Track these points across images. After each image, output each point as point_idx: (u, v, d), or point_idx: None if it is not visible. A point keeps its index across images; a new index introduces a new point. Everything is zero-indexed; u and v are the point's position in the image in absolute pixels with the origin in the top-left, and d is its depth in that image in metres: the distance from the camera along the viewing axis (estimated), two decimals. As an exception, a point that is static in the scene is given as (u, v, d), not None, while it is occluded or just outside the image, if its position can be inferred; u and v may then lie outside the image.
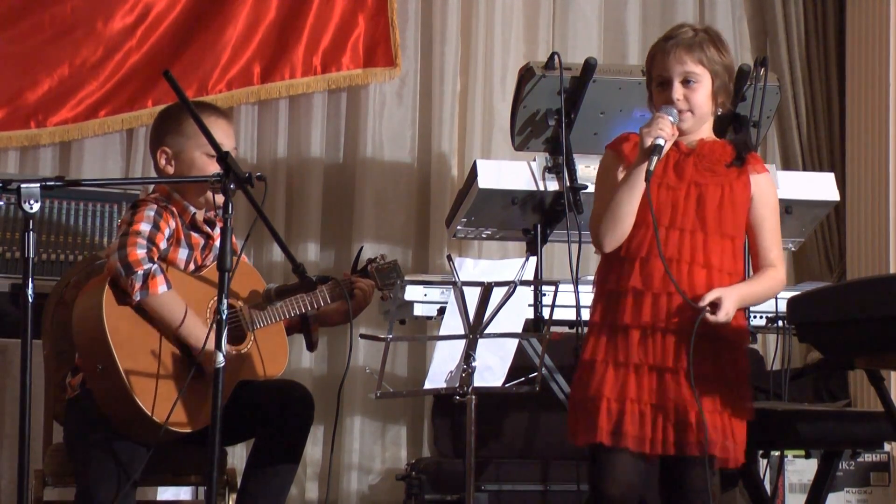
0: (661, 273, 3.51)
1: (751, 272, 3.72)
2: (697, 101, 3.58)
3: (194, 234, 3.94)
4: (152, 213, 3.83)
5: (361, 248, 4.42)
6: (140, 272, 3.70)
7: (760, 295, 3.66)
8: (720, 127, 4.70)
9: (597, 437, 3.50)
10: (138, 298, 3.72)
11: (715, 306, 3.47)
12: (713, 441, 3.48)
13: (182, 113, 3.91)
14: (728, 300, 3.48)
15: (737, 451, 3.53)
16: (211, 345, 3.48)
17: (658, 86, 3.61)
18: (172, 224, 3.88)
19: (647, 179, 3.47)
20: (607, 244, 3.57)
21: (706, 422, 3.46)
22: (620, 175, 3.60)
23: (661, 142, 3.48)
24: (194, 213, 3.93)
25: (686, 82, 3.57)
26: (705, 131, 3.65)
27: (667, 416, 3.50)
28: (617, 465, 3.52)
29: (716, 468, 3.54)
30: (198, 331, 3.76)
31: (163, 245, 3.82)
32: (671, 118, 3.53)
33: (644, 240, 3.55)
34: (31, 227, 3.26)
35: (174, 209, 3.90)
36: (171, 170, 3.95)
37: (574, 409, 3.61)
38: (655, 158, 3.47)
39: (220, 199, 3.54)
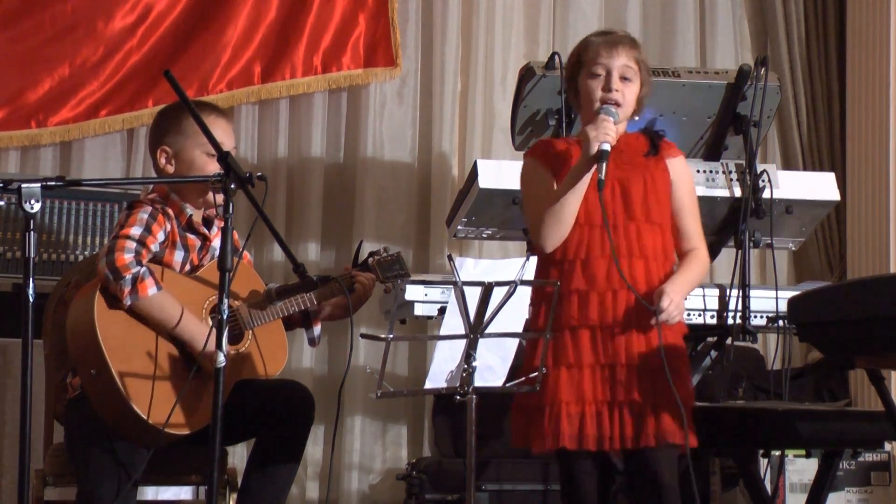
0: (604, 272, 3.61)
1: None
2: (628, 99, 3.68)
3: (190, 236, 3.93)
4: (146, 216, 3.81)
5: (361, 241, 4.41)
6: (128, 276, 3.68)
7: (695, 282, 3.77)
8: (722, 129, 4.73)
9: (560, 443, 3.58)
10: (129, 303, 3.71)
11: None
12: (672, 430, 3.56)
13: (181, 112, 3.91)
14: (678, 296, 3.58)
15: (692, 437, 3.59)
16: (210, 345, 3.48)
17: (593, 76, 3.67)
18: (167, 226, 3.86)
19: (600, 189, 3.54)
20: (551, 244, 3.65)
21: (661, 415, 3.56)
22: (548, 179, 3.68)
23: (606, 147, 3.56)
24: (191, 215, 3.92)
25: (623, 78, 3.66)
26: (620, 129, 3.71)
27: (622, 411, 3.58)
28: (586, 464, 3.64)
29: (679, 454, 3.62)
30: (195, 328, 3.75)
31: (154, 247, 3.80)
32: (613, 119, 3.61)
33: (582, 240, 3.64)
34: (31, 227, 3.25)
35: (170, 211, 3.89)
36: (170, 169, 3.94)
37: (526, 414, 3.68)
38: (605, 165, 3.55)
39: (220, 198, 3.53)
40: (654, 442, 3.55)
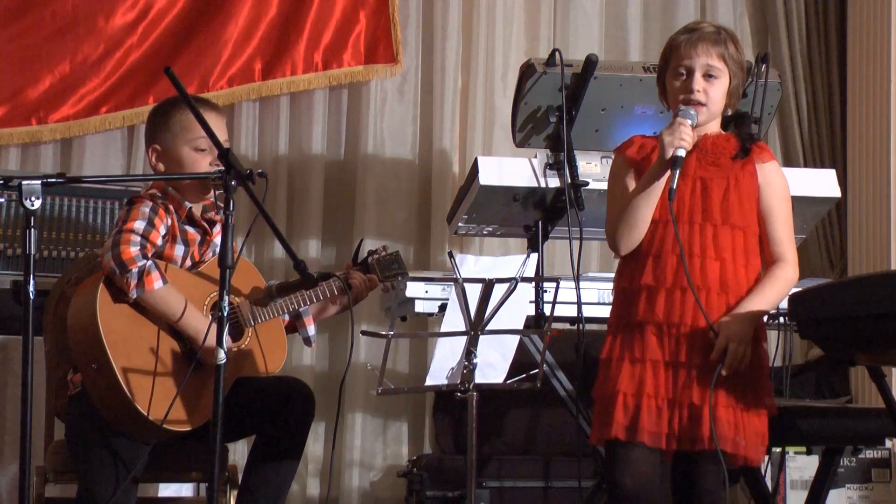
0: (673, 269, 3.52)
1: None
2: (715, 97, 3.58)
3: (190, 230, 3.94)
4: (147, 210, 3.83)
5: (361, 240, 4.41)
6: (134, 270, 3.70)
7: (774, 301, 3.62)
8: (723, 126, 4.72)
9: (612, 432, 3.49)
10: (135, 296, 3.72)
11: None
12: (725, 436, 3.47)
13: (170, 109, 3.94)
14: (735, 336, 3.46)
15: (749, 448, 3.52)
16: (211, 341, 3.48)
17: (677, 76, 3.59)
18: (168, 220, 3.87)
19: (670, 199, 3.47)
20: (623, 248, 3.59)
21: (718, 417, 3.45)
22: (629, 180, 3.61)
23: (681, 153, 3.48)
24: (190, 208, 3.93)
25: (707, 76, 3.57)
26: (711, 127, 3.65)
27: (681, 411, 3.49)
28: (633, 457, 3.51)
29: (735, 465, 3.54)
30: (198, 323, 3.76)
31: (158, 241, 3.82)
32: (690, 121, 3.52)
33: (654, 236, 3.56)
34: (32, 224, 3.26)
35: (170, 205, 3.90)
36: (161, 167, 3.96)
37: (595, 407, 3.61)
38: (677, 173, 3.47)
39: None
40: (707, 446, 3.45)
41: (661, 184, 3.52)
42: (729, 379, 3.48)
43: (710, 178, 3.58)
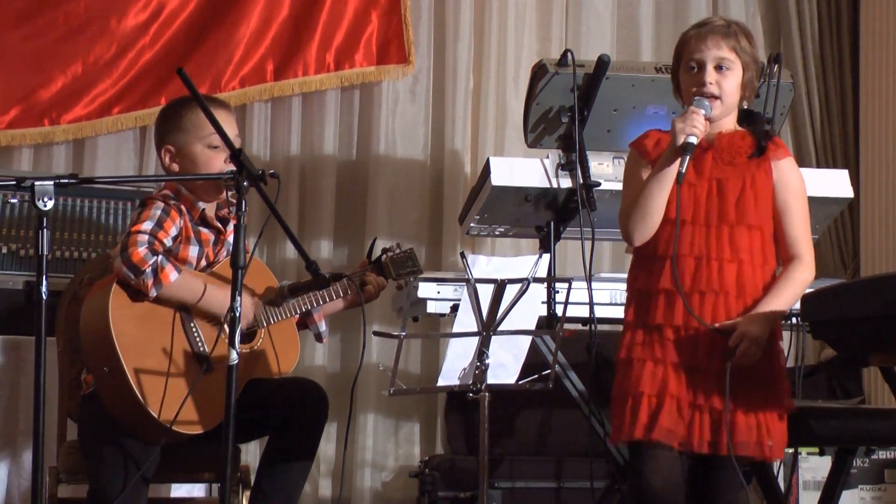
0: (691, 273, 3.52)
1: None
2: (728, 89, 3.56)
3: (203, 230, 3.94)
4: (158, 212, 3.83)
5: (375, 238, 4.41)
6: (148, 270, 3.70)
7: (790, 302, 3.60)
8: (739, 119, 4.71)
9: (636, 433, 3.48)
10: (154, 294, 3.73)
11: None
12: (746, 442, 3.47)
13: (182, 108, 3.94)
14: (754, 334, 3.46)
15: (774, 449, 3.53)
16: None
17: (688, 71, 3.59)
18: (180, 222, 3.87)
19: (678, 182, 3.46)
20: (637, 238, 3.57)
21: (738, 423, 3.46)
22: (644, 172, 3.59)
23: (693, 140, 3.47)
24: (203, 209, 3.94)
25: (719, 68, 3.56)
26: (726, 124, 3.63)
27: (703, 416, 3.49)
28: (658, 457, 3.50)
29: (758, 461, 3.59)
30: (222, 297, 3.74)
31: (167, 241, 3.82)
32: (704, 111, 3.51)
33: (671, 238, 3.52)
34: (44, 225, 3.26)
35: (183, 206, 3.91)
36: (175, 167, 3.97)
37: (614, 406, 3.59)
38: (687, 158, 3.46)
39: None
40: (725, 451, 3.45)
41: (672, 171, 3.50)
42: (747, 383, 3.47)
43: (726, 178, 3.57)
